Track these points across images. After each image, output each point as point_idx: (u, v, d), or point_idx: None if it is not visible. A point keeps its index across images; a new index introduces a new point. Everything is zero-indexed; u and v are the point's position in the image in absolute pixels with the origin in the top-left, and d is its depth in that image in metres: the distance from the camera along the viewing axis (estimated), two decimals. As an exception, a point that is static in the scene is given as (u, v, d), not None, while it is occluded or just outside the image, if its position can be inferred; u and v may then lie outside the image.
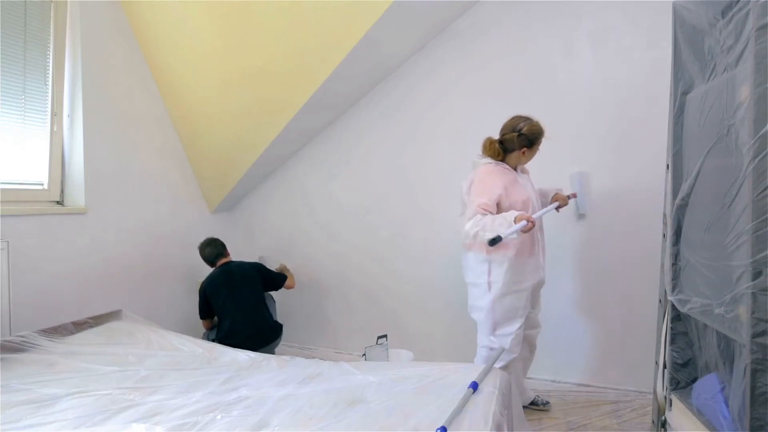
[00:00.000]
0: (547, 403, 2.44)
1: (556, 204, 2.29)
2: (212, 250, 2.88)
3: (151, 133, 3.05)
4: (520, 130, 2.13)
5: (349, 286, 3.32)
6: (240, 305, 2.66)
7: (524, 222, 1.91)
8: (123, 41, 2.84)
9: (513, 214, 1.98)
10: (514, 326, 2.16)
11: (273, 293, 3.06)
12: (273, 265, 3.14)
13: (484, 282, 2.17)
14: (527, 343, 2.34)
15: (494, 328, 2.17)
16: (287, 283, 3.00)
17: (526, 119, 2.16)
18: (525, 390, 2.43)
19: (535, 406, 2.43)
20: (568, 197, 2.38)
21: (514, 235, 1.93)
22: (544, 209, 2.23)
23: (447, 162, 2.95)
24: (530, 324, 2.33)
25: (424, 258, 3.07)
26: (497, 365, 2.15)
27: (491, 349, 2.18)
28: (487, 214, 2.02)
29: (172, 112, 3.15)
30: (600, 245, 2.64)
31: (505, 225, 1.94)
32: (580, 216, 2.65)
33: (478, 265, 2.19)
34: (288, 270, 3.16)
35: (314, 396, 1.57)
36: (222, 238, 2.99)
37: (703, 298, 1.19)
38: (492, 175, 2.14)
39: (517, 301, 2.15)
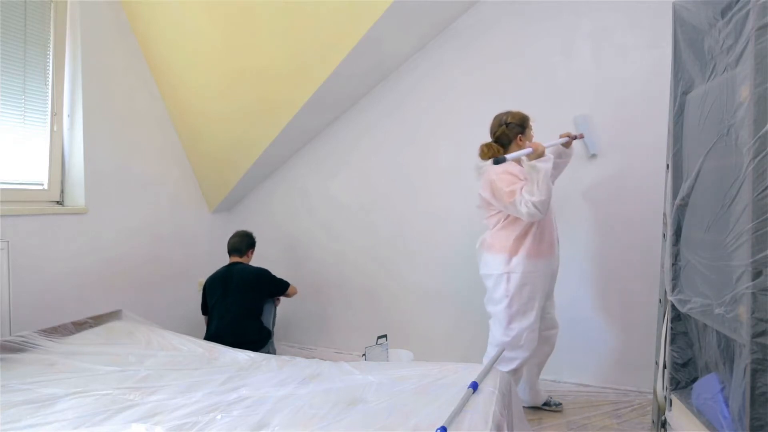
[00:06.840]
0: (560, 404, 2.43)
1: (565, 139, 2.30)
2: (234, 242, 2.84)
3: (151, 133, 3.05)
4: (506, 121, 2.24)
5: (349, 286, 3.31)
6: (228, 311, 2.61)
7: (543, 149, 2.02)
8: (123, 41, 2.84)
9: (534, 164, 2.00)
10: (530, 319, 2.13)
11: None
12: None
13: (502, 273, 2.15)
14: (547, 345, 2.34)
15: (510, 320, 2.14)
16: (289, 290, 2.92)
17: (506, 112, 2.26)
18: (539, 392, 2.42)
19: (548, 407, 2.42)
20: (575, 137, 2.35)
21: (549, 164, 2.02)
22: (553, 141, 2.27)
23: (447, 161, 2.95)
24: (549, 324, 2.32)
25: (425, 258, 3.07)
26: (509, 368, 2.11)
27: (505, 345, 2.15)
28: None
29: (172, 112, 3.15)
30: (600, 245, 2.64)
31: (539, 178, 1.98)
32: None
33: (497, 257, 2.17)
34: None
35: (314, 396, 1.57)
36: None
37: (703, 298, 1.19)
38: (508, 168, 2.14)
39: (534, 291, 2.14)
